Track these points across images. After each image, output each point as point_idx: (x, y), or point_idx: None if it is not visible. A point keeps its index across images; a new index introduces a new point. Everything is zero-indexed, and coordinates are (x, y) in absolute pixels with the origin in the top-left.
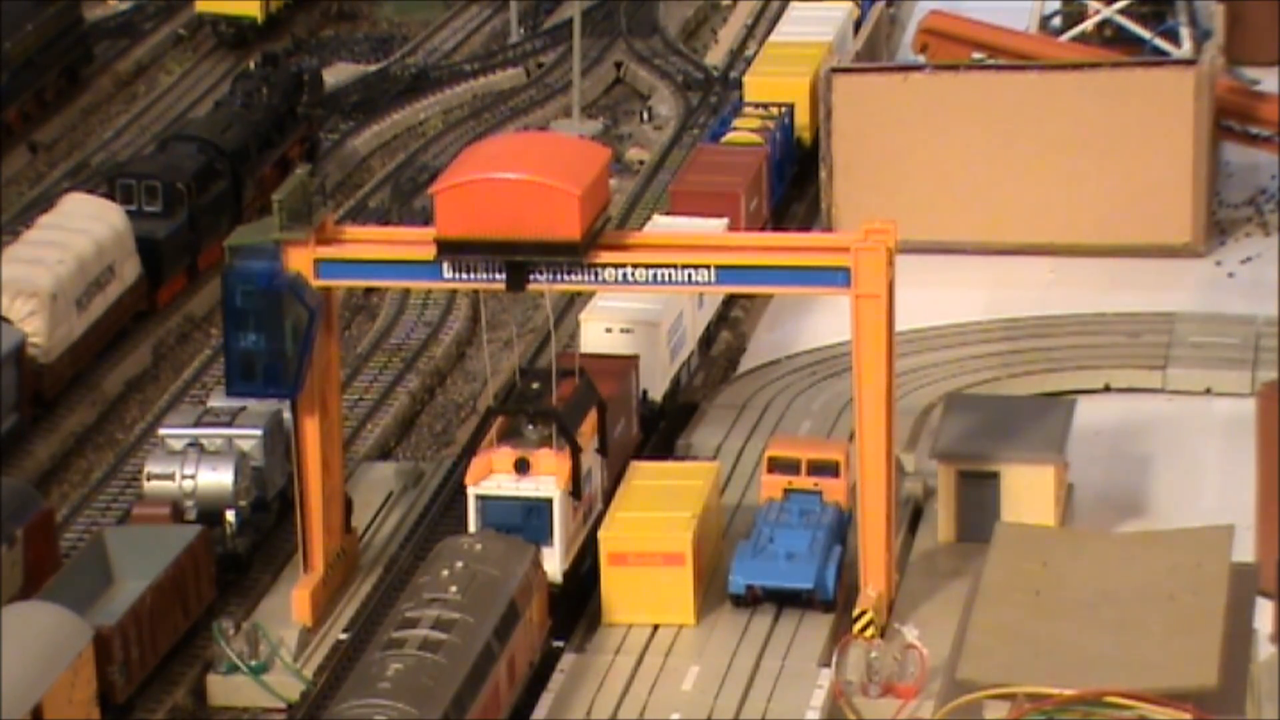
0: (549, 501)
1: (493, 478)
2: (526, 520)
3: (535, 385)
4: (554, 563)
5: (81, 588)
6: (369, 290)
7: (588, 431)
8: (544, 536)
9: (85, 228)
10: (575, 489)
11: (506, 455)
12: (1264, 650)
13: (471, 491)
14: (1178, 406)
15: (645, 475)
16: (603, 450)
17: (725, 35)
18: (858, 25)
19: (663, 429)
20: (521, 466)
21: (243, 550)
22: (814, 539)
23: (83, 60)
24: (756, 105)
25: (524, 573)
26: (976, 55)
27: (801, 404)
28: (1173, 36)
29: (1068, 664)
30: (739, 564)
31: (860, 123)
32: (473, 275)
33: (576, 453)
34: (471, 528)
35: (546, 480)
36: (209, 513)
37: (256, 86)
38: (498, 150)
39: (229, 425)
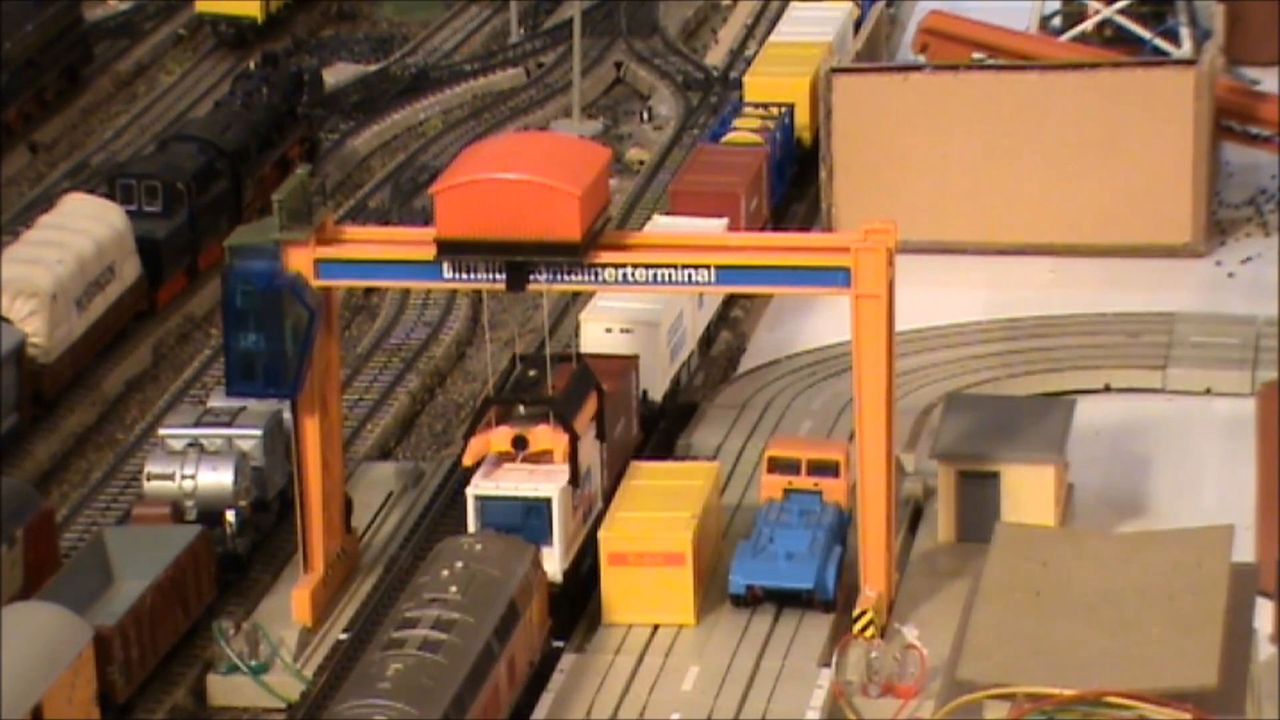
0: (548, 501)
1: (492, 478)
2: (526, 520)
3: (532, 373)
4: (554, 562)
5: (81, 588)
6: (369, 290)
7: (586, 418)
8: (543, 536)
9: (85, 228)
10: (574, 475)
11: (504, 434)
12: (1264, 650)
13: (470, 492)
14: (1178, 406)
15: (645, 475)
16: (601, 436)
17: (725, 35)
18: (858, 25)
19: (663, 429)
20: (519, 444)
21: (243, 550)
22: (814, 539)
23: (83, 60)
24: (756, 105)
25: (524, 573)
26: (976, 55)
27: (801, 404)
28: (1173, 36)
29: (1068, 664)
30: (739, 564)
31: (860, 123)
32: (473, 275)
33: (574, 440)
34: (470, 528)
35: (545, 485)
36: (209, 513)
37: (256, 86)
38: (498, 150)
39: (229, 425)
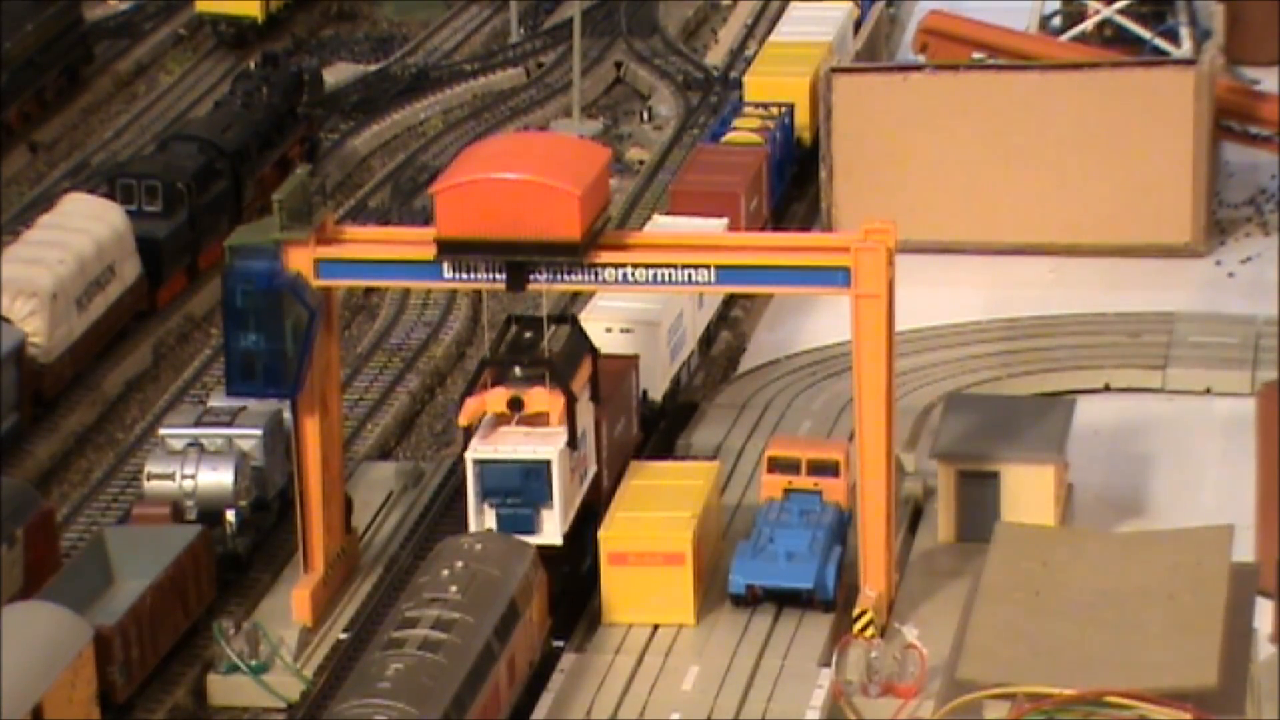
0: (547, 463)
1: (489, 441)
2: (524, 482)
3: (528, 335)
4: (553, 524)
5: (81, 588)
6: (369, 290)
7: (581, 380)
8: (543, 498)
9: (85, 228)
10: (571, 436)
11: (500, 395)
12: (1264, 650)
13: (468, 456)
14: (1178, 406)
15: (645, 475)
16: (595, 398)
17: (725, 35)
18: (858, 25)
19: (663, 429)
20: (515, 405)
21: (243, 550)
22: (814, 539)
23: (83, 60)
24: (756, 105)
25: (524, 573)
26: (976, 55)
27: (801, 404)
28: (1173, 36)
29: (1068, 664)
30: (739, 564)
31: (860, 123)
32: (473, 275)
33: (571, 401)
34: (469, 493)
35: (544, 447)
36: (209, 513)
37: (256, 86)
38: (498, 150)
39: (229, 425)
